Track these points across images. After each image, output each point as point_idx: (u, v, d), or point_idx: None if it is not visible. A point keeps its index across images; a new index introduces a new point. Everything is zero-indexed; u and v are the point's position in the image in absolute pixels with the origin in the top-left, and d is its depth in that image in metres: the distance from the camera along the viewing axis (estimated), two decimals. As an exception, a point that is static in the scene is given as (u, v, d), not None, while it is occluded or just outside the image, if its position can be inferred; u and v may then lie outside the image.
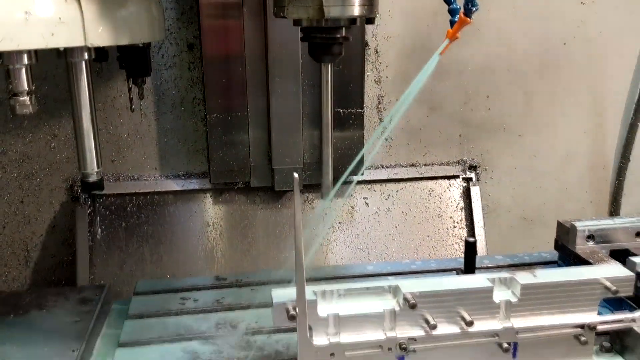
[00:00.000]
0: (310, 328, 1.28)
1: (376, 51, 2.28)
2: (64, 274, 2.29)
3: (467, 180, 2.40)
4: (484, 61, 2.34)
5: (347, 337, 1.29)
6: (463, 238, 2.32)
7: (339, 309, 1.29)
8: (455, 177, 2.41)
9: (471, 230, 2.36)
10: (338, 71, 2.11)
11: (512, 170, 2.47)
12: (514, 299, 1.33)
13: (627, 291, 1.36)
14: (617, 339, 1.41)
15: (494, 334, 1.33)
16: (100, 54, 1.68)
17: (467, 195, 2.40)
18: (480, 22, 2.27)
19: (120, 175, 2.25)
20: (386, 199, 2.38)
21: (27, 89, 1.36)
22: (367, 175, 2.34)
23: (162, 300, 1.63)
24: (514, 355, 1.36)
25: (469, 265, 1.55)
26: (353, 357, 1.30)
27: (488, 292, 1.32)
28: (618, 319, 1.37)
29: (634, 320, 1.37)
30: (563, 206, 2.50)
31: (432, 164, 2.42)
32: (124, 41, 1.45)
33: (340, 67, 2.12)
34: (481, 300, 1.32)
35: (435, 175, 2.40)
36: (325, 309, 1.29)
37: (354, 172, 1.59)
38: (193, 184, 2.27)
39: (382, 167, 2.39)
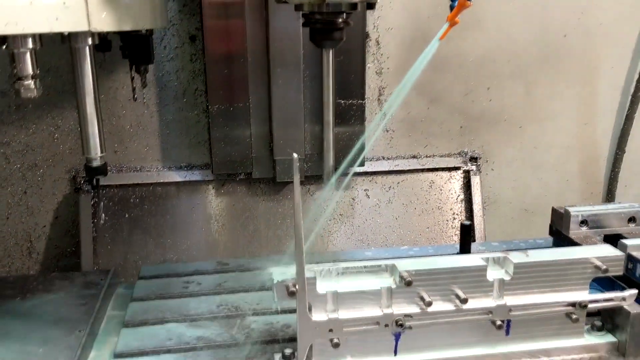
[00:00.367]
0: (309, 305, 1.38)
1: (377, 42, 2.37)
2: (67, 264, 2.38)
3: (468, 171, 2.49)
4: (485, 53, 2.44)
5: (346, 313, 1.39)
6: (463, 229, 2.42)
7: (337, 287, 1.39)
8: (456, 168, 2.50)
9: (472, 222, 2.45)
10: (339, 62, 2.19)
11: (512, 161, 2.57)
12: (507, 278, 1.42)
13: (617, 270, 1.45)
14: (608, 318, 1.51)
15: (488, 311, 1.43)
16: (103, 44, 1.77)
17: (467, 187, 2.49)
18: (480, 13, 2.37)
19: (122, 167, 2.35)
20: (387, 191, 2.47)
21: (31, 72, 1.43)
22: (368, 166, 2.43)
23: (166, 283, 1.73)
24: (507, 332, 1.45)
25: (465, 248, 1.64)
26: (351, 333, 1.39)
27: (482, 270, 1.42)
28: (608, 297, 1.46)
29: (624, 298, 1.46)
30: (564, 197, 2.59)
31: (433, 156, 2.51)
32: (127, 27, 1.51)
33: (341, 58, 2.21)
34: (475, 279, 1.41)
35: (436, 167, 2.49)
36: (324, 286, 1.39)
37: (355, 159, 1.67)
38: (195, 176, 2.36)
39: (383, 158, 2.48)
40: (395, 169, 2.47)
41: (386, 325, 1.40)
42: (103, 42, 1.80)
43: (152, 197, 2.35)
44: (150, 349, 1.47)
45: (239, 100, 2.24)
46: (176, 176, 2.36)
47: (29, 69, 1.43)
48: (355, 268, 1.42)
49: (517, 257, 1.44)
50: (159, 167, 2.37)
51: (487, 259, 1.44)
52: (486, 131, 2.52)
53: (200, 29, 2.20)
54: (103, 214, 2.28)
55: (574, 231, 1.69)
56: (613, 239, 1.64)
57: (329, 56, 1.73)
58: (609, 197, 2.61)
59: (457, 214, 2.48)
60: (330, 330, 1.38)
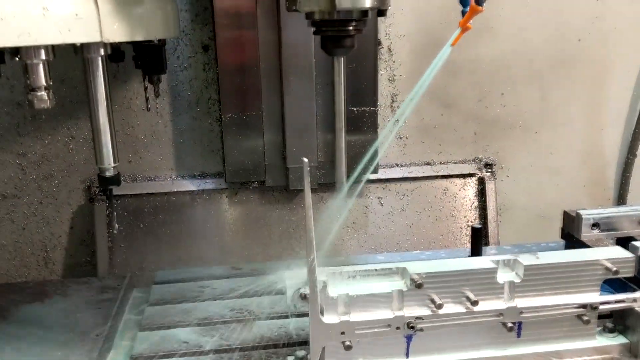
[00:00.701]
0: (321, 308, 1.44)
1: (389, 49, 2.44)
2: (83, 274, 2.46)
3: (482, 178, 2.54)
4: (499, 58, 2.49)
5: (357, 316, 1.44)
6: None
7: (349, 290, 1.45)
8: (470, 175, 2.56)
9: (485, 229, 2.50)
10: (351, 70, 2.26)
11: (528, 168, 2.62)
12: (517, 280, 1.48)
13: (628, 272, 1.50)
14: (620, 320, 1.55)
15: (499, 313, 1.48)
16: (116, 54, 1.84)
17: (482, 193, 2.54)
18: (494, 18, 2.43)
19: (137, 177, 2.43)
20: (401, 199, 2.53)
21: (44, 84, 1.48)
22: (382, 174, 2.49)
23: (181, 288, 1.80)
24: (519, 334, 1.50)
25: (476, 252, 1.70)
26: (363, 336, 1.45)
27: (492, 272, 1.47)
28: (620, 299, 1.51)
29: (635, 300, 1.50)
30: (580, 204, 2.59)
31: (447, 162, 2.56)
32: (139, 37, 1.56)
33: (353, 65, 2.28)
34: (485, 281, 1.46)
35: (450, 174, 2.55)
36: (335, 289, 1.45)
37: (368, 167, 1.71)
38: (209, 184, 2.44)
39: (397, 165, 2.54)
40: (408, 176, 2.53)
41: (397, 328, 1.45)
42: (116, 52, 1.87)
43: (166, 206, 2.42)
44: (166, 352, 1.54)
45: (251, 108, 2.31)
46: (190, 185, 2.43)
47: (42, 80, 1.47)
48: (366, 271, 1.48)
49: (527, 260, 1.49)
50: (173, 177, 2.44)
51: (497, 262, 1.49)
52: (501, 137, 2.57)
53: (212, 39, 2.27)
54: (117, 224, 2.36)
55: (586, 234, 1.74)
56: (625, 242, 1.67)
57: (341, 64, 1.76)
58: (620, 201, 2.65)
59: (471, 221, 2.53)
60: (342, 333, 1.44)
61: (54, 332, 1.62)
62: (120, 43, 1.56)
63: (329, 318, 1.44)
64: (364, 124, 2.38)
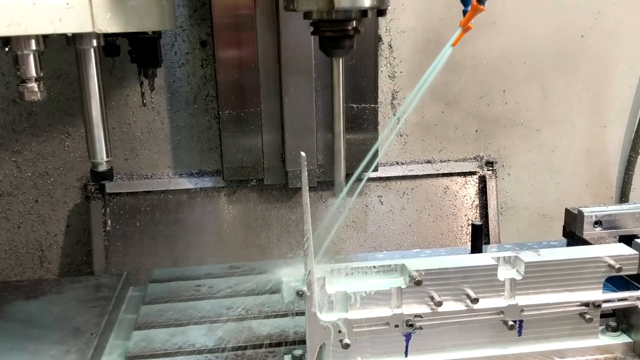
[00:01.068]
0: (319, 305, 1.43)
1: (390, 46, 2.43)
2: (79, 273, 2.45)
3: (483, 176, 2.53)
4: (500, 54, 2.48)
5: (355, 314, 1.43)
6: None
7: (346, 287, 1.44)
8: (471, 173, 2.54)
9: (486, 227, 2.49)
10: (351, 66, 2.25)
11: (529, 166, 2.61)
12: (518, 277, 1.46)
13: (631, 269, 1.49)
14: (623, 318, 1.54)
15: (499, 311, 1.46)
16: (111, 48, 1.83)
17: (483, 192, 2.53)
18: (495, 15, 2.42)
19: (133, 174, 2.42)
20: (401, 197, 2.52)
21: (35, 75, 1.45)
22: (382, 172, 2.48)
23: (178, 287, 1.79)
24: (520, 332, 1.49)
25: (476, 249, 1.69)
26: (361, 334, 1.44)
27: (493, 269, 1.46)
28: (623, 297, 1.50)
29: (638, 298, 1.50)
30: (583, 202, 2.61)
31: (448, 160, 2.55)
32: (133, 28, 1.52)
33: (353, 62, 2.27)
34: (486, 278, 1.45)
35: (451, 172, 2.54)
36: (333, 287, 1.44)
37: (368, 167, 1.69)
38: (206, 182, 2.42)
39: (397, 163, 2.53)
40: (409, 174, 2.51)
41: (396, 326, 1.44)
42: (112, 46, 1.86)
43: (163, 204, 2.41)
44: (161, 351, 1.53)
45: (250, 105, 2.30)
46: (187, 183, 2.42)
47: (33, 71, 1.44)
48: (364, 268, 1.47)
49: (528, 256, 1.47)
50: (170, 174, 2.43)
51: (498, 259, 1.48)
52: (502, 135, 2.56)
53: (210, 34, 2.26)
54: (109, 220, 2.34)
55: (588, 232, 1.73)
56: (628, 240, 1.66)
57: (339, 65, 1.73)
58: (623, 200, 2.64)
59: (471, 220, 2.52)
60: (340, 331, 1.43)
61: (49, 331, 1.61)
62: (114, 35, 1.54)
63: (326, 316, 1.42)
64: (364, 121, 2.37)
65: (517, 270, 1.48)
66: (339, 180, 1.89)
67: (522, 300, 1.47)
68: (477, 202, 2.53)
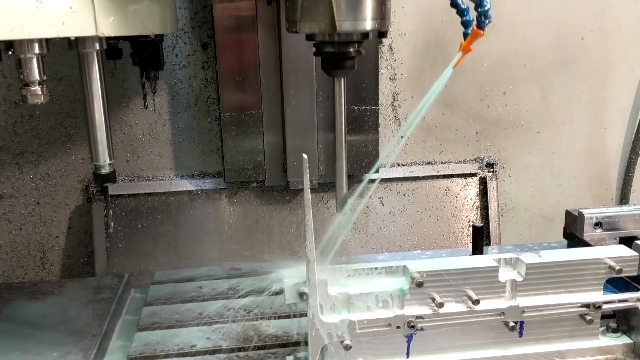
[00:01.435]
0: (321, 307, 1.43)
1: (390, 48, 2.43)
2: (80, 275, 2.46)
3: (484, 178, 2.54)
4: (500, 56, 2.49)
5: (357, 315, 1.44)
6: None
7: (348, 288, 1.44)
8: (472, 175, 2.55)
9: (487, 229, 2.50)
10: (352, 68, 2.27)
11: (530, 167, 2.61)
12: (519, 278, 1.47)
13: (632, 271, 1.49)
14: (624, 320, 1.55)
15: (500, 312, 1.47)
16: (113, 51, 1.84)
17: (483, 193, 2.54)
18: (496, 17, 2.40)
19: (135, 176, 2.43)
20: (402, 198, 2.53)
21: (38, 78, 1.45)
22: (383, 173, 2.48)
23: (179, 288, 1.80)
24: (520, 334, 1.50)
25: (477, 250, 1.69)
26: (362, 335, 1.45)
27: (494, 271, 1.46)
28: (623, 298, 1.50)
29: (639, 299, 1.50)
30: (584, 204, 2.61)
31: (449, 162, 2.56)
32: (135, 32, 1.54)
33: (354, 64, 2.28)
34: (487, 280, 1.45)
35: (452, 174, 2.55)
36: (335, 288, 1.44)
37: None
38: (208, 184, 2.43)
39: (398, 165, 2.53)
40: (410, 175, 2.52)
41: (398, 327, 1.44)
42: (114, 49, 1.86)
43: (164, 206, 2.42)
44: (163, 353, 1.53)
45: (251, 107, 2.31)
46: (188, 185, 2.43)
47: (36, 74, 1.45)
48: (366, 270, 1.48)
49: (529, 258, 1.48)
50: (172, 176, 2.44)
51: (499, 260, 1.49)
52: (503, 136, 2.57)
53: (212, 37, 2.27)
54: (112, 223, 2.34)
55: (588, 234, 1.73)
56: (628, 242, 1.66)
57: (341, 85, 1.73)
58: (623, 202, 2.65)
59: (472, 222, 2.53)
60: (342, 333, 1.43)
61: (51, 332, 1.62)
62: (116, 38, 1.54)
63: (328, 317, 1.43)
64: (364, 123, 2.38)
65: (518, 272, 1.49)
66: (341, 196, 1.85)
67: (523, 301, 1.47)
68: (477, 204, 2.54)
